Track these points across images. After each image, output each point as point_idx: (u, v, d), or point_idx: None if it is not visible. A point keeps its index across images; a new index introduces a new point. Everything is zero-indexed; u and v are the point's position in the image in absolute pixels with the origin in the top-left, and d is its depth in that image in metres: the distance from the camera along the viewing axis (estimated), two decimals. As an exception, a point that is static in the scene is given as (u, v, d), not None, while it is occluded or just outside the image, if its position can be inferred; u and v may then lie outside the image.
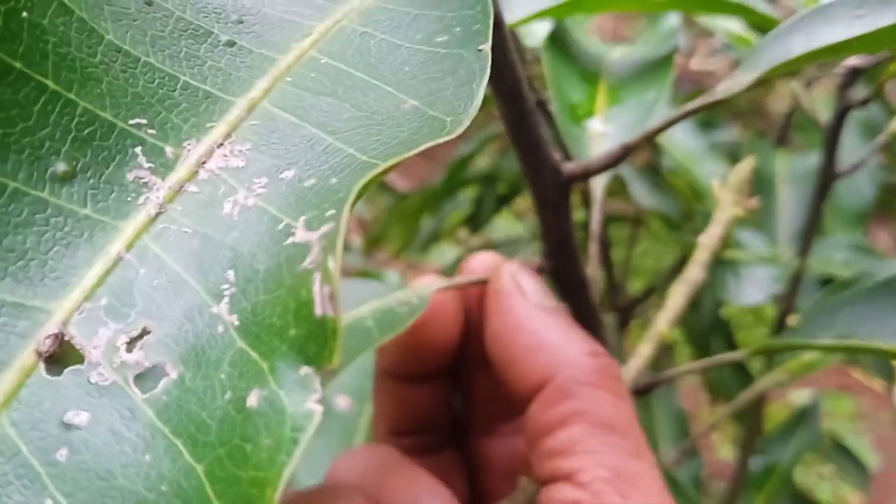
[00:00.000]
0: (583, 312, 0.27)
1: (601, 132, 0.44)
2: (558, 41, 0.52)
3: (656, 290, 0.74)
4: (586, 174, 0.34)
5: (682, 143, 0.69)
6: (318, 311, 0.11)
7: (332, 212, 0.13)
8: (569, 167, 0.34)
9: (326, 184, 0.14)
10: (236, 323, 0.12)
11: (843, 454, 0.87)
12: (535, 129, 0.24)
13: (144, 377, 0.12)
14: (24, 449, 0.11)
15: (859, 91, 0.56)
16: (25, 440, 0.11)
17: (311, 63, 0.17)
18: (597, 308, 0.28)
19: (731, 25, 0.63)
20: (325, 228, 0.12)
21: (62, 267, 0.13)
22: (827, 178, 0.57)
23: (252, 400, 0.11)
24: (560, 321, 0.24)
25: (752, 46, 0.59)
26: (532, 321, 0.23)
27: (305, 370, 0.11)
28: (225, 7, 0.18)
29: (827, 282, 0.64)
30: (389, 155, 0.14)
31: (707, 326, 0.74)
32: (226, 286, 0.13)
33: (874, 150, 0.60)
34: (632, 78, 0.48)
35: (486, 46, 0.16)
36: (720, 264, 0.52)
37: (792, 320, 0.57)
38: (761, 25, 0.59)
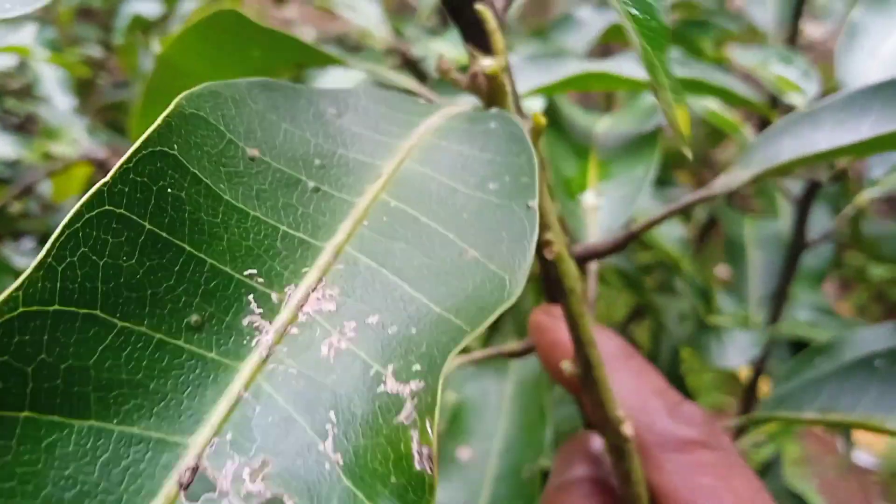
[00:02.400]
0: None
1: (594, 205, 0.48)
2: (550, 116, 0.55)
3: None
4: (593, 255, 0.37)
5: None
6: (416, 466, 0.14)
7: (417, 367, 0.15)
8: (576, 250, 0.37)
9: (408, 333, 0.16)
10: (340, 462, 0.15)
11: (791, 499, 0.91)
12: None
13: (267, 506, 0.14)
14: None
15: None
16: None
17: (383, 207, 0.20)
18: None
19: (709, 104, 0.67)
20: (413, 385, 0.15)
21: (195, 405, 0.15)
22: (797, 247, 0.61)
23: (365, 535, 0.14)
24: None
25: (729, 125, 0.63)
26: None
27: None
28: (309, 153, 0.20)
29: (794, 343, 0.69)
30: (459, 308, 0.17)
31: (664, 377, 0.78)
32: (328, 426, 0.15)
33: (841, 222, 0.64)
34: (620, 153, 0.52)
35: (535, 203, 0.19)
36: (704, 329, 0.56)
37: (764, 384, 0.61)
38: (740, 104, 0.63)
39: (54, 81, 0.93)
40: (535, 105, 0.57)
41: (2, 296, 0.13)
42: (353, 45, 1.35)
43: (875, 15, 0.55)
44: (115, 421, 0.14)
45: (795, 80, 0.56)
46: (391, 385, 0.15)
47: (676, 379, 0.79)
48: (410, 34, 0.88)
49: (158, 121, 0.17)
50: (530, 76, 0.51)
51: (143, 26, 0.92)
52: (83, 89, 0.98)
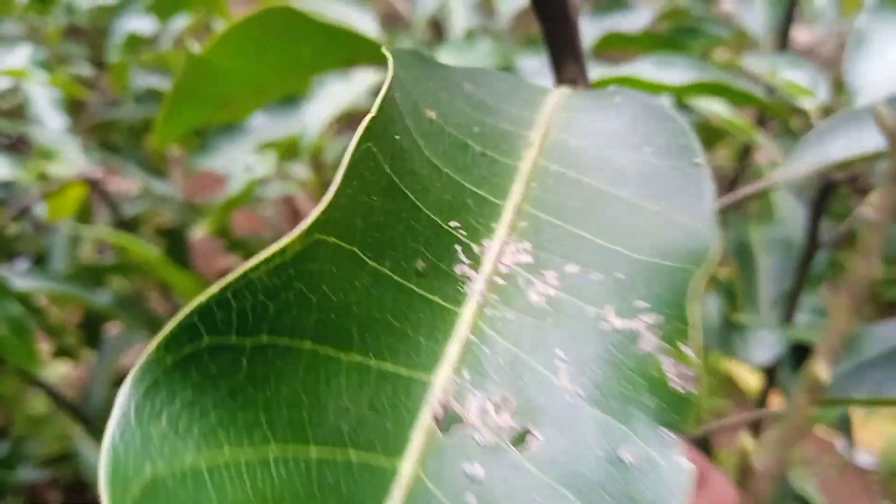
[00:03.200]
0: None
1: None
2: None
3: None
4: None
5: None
6: (675, 386, 0.14)
7: (643, 304, 0.16)
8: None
9: (615, 278, 0.17)
10: (582, 393, 0.15)
11: (793, 500, 0.93)
12: None
13: (516, 438, 0.15)
14: (438, 494, 0.14)
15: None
16: (440, 487, 0.14)
17: (544, 171, 0.20)
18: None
19: (717, 108, 0.70)
20: (647, 319, 0.16)
21: (432, 346, 0.15)
22: (811, 249, 0.63)
23: (626, 456, 0.14)
24: None
25: (740, 129, 0.65)
26: None
27: (666, 433, 0.14)
28: (468, 120, 0.21)
29: (796, 346, 0.71)
30: (664, 253, 0.17)
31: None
32: (559, 362, 0.16)
33: (849, 225, 0.67)
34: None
35: (701, 160, 0.20)
36: (729, 327, 0.57)
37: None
38: (761, 107, 0.65)
39: (46, 102, 0.91)
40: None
41: (303, 224, 0.13)
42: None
43: (880, 22, 0.58)
44: (372, 356, 0.14)
45: (806, 84, 0.59)
46: (617, 322, 0.16)
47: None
48: (407, 46, 0.89)
49: (390, 72, 0.17)
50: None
51: (135, 44, 0.92)
52: (73, 108, 0.97)
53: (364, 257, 0.15)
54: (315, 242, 0.13)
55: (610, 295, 0.17)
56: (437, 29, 1.01)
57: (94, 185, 0.86)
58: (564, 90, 0.26)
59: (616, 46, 0.83)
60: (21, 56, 0.82)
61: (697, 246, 0.17)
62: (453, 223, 0.17)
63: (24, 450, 0.85)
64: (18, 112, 0.95)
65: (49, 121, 0.92)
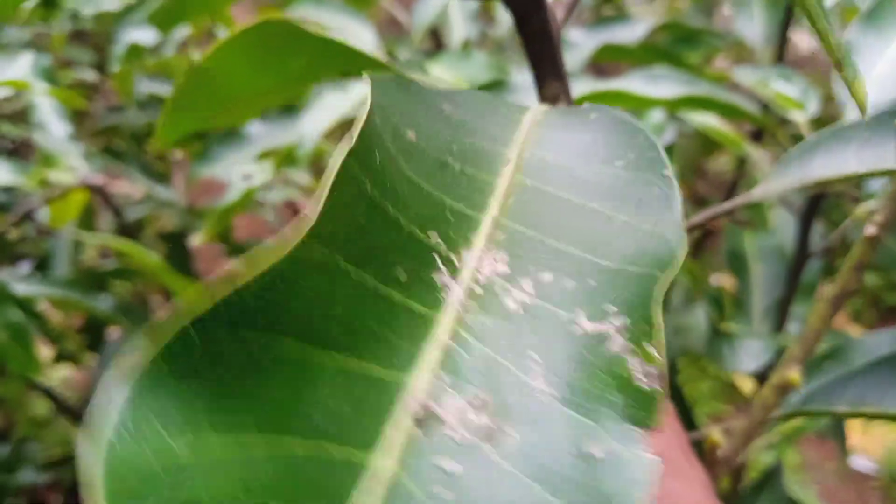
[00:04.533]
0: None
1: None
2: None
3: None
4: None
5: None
6: (640, 385, 0.15)
7: (612, 308, 0.17)
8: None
9: (587, 285, 0.18)
10: (556, 394, 0.16)
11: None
12: None
13: (492, 437, 0.16)
14: (415, 489, 0.15)
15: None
16: (417, 483, 0.15)
17: (521, 186, 0.22)
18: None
19: (708, 120, 0.71)
20: (616, 322, 0.17)
21: (414, 351, 0.16)
22: (801, 258, 0.64)
23: (595, 451, 0.15)
24: None
25: (729, 141, 0.66)
26: None
27: (634, 429, 0.15)
28: (447, 140, 0.22)
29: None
30: (633, 261, 0.18)
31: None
32: (534, 365, 0.17)
33: (841, 233, 0.68)
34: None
35: (669, 172, 0.21)
36: (717, 336, 0.58)
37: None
38: (748, 120, 0.66)
39: (50, 107, 0.93)
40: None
41: (292, 230, 0.14)
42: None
43: (868, 35, 0.59)
44: (356, 359, 0.15)
45: (796, 97, 0.60)
46: (588, 326, 0.17)
47: (674, 389, 0.81)
48: (404, 56, 0.90)
49: (369, 96, 0.18)
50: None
51: (138, 52, 0.93)
52: (77, 113, 0.98)
53: (348, 266, 0.16)
54: (304, 247, 0.15)
55: (582, 300, 0.18)
56: (436, 38, 1.02)
57: (97, 190, 0.88)
58: (542, 108, 0.27)
59: (613, 57, 0.84)
60: (24, 65, 0.83)
61: (664, 252, 0.18)
62: (433, 236, 0.18)
63: (26, 452, 0.86)
64: (22, 115, 0.96)
65: (52, 127, 0.93)
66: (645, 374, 0.16)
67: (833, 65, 0.18)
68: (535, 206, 0.21)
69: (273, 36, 0.39)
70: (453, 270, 0.18)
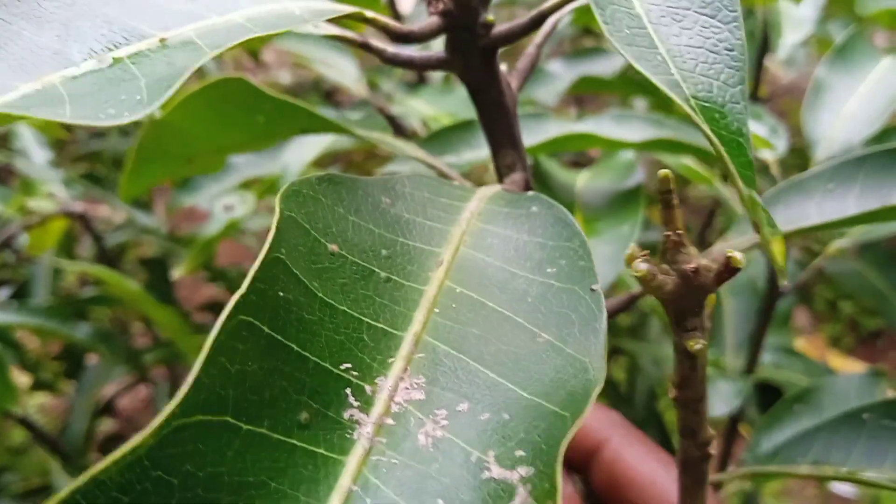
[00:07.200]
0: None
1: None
2: (535, 174, 0.57)
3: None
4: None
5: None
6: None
7: (521, 453, 0.17)
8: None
9: (501, 419, 0.18)
10: (456, 547, 0.16)
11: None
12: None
13: None
14: None
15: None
16: None
17: (450, 293, 0.21)
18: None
19: (680, 158, 0.70)
20: (522, 471, 0.16)
21: (310, 501, 0.16)
22: (772, 296, 0.64)
23: None
24: None
25: (703, 179, 0.66)
26: None
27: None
28: (375, 244, 0.22)
29: (763, 385, 0.71)
30: (546, 393, 0.18)
31: (641, 419, 0.80)
32: (438, 514, 0.16)
33: (813, 270, 0.68)
34: (604, 210, 0.53)
35: (598, 286, 0.21)
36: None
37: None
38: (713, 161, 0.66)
39: (30, 135, 0.92)
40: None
41: (160, 416, 0.14)
42: (328, 90, 1.37)
43: (838, 73, 0.58)
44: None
45: (765, 135, 0.60)
46: (496, 471, 0.16)
47: (654, 416, 0.81)
48: (387, 88, 0.90)
49: (273, 228, 0.18)
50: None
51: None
52: (58, 139, 0.98)
53: (238, 423, 0.15)
54: (174, 430, 0.14)
55: (494, 439, 0.17)
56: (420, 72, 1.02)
57: (78, 216, 0.87)
58: (487, 192, 0.27)
59: (592, 88, 0.84)
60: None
61: (581, 387, 0.18)
62: (344, 365, 0.18)
63: (3, 482, 0.85)
64: (3, 141, 0.96)
65: (33, 154, 0.92)
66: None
67: (752, 224, 0.18)
68: (462, 316, 0.20)
69: (231, 93, 0.39)
70: (366, 402, 0.18)
